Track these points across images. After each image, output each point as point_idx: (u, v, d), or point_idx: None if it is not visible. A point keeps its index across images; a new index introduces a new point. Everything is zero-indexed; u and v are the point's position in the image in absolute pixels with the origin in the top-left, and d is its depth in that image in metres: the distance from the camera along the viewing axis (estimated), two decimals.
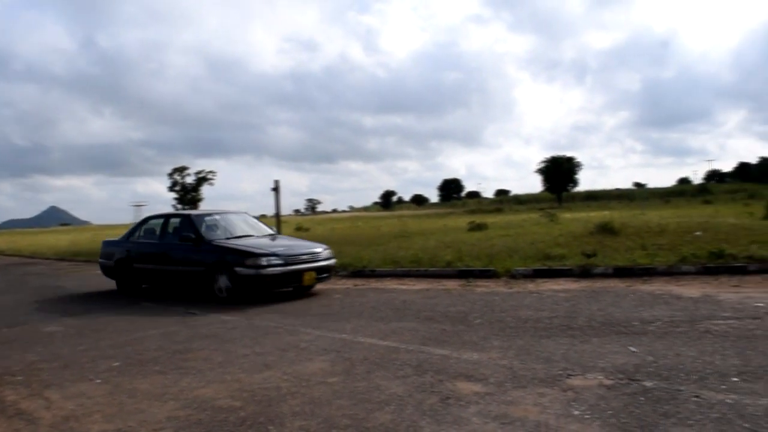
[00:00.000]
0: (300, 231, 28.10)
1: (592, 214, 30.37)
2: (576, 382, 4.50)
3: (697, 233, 14.54)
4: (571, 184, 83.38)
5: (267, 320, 7.76)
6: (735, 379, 4.37)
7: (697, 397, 4.03)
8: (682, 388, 4.22)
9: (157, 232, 11.15)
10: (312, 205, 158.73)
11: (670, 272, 9.67)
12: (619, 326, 6.24)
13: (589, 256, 10.92)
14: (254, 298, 9.43)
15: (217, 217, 11.22)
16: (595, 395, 4.17)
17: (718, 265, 9.67)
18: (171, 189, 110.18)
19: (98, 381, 5.25)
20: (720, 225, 16.79)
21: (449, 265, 11.51)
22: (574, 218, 27.04)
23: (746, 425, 3.51)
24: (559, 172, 79.76)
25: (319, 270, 9.72)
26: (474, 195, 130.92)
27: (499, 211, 57.48)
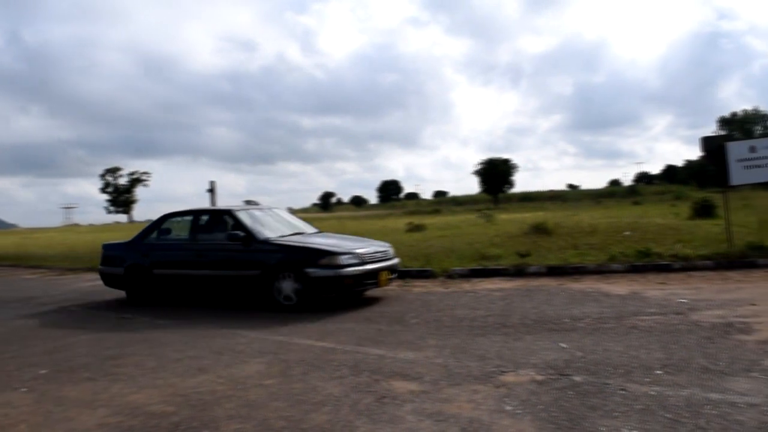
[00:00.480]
0: None
1: (527, 214, 31.04)
2: (509, 378, 4.60)
3: (627, 233, 15.07)
4: (507, 186, 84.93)
5: (202, 323, 7.64)
6: (659, 371, 4.55)
7: (623, 390, 4.18)
8: (609, 381, 4.37)
9: (186, 232, 9.64)
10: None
11: (600, 270, 9.99)
12: (551, 323, 6.42)
13: (523, 255, 11.17)
14: (326, 303, 8.36)
15: (257, 212, 9.73)
16: (526, 391, 4.28)
17: (645, 263, 10.05)
18: (103, 190, 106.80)
19: (24, 390, 5.06)
20: (648, 225, 17.44)
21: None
22: (509, 219, 27.57)
23: (668, 415, 3.66)
24: (495, 173, 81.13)
25: (391, 269, 8.82)
26: (413, 196, 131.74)
27: (437, 212, 58.00)
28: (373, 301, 8.53)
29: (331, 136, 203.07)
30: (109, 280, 10.22)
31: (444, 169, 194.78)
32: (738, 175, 11.29)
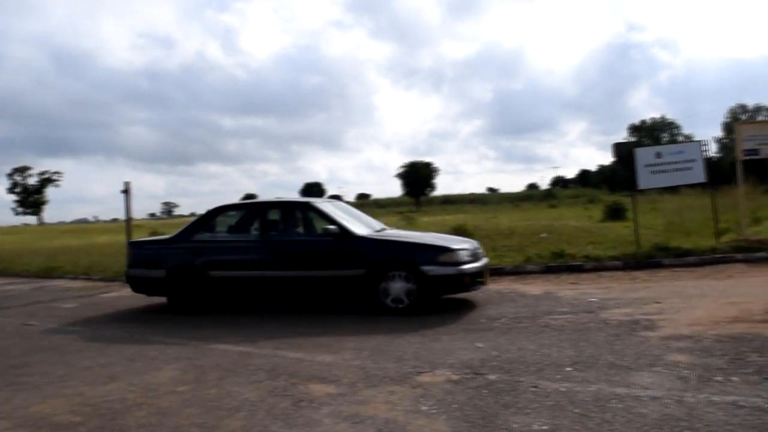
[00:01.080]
0: (155, 236, 26.92)
1: (448, 217, 31.50)
2: (425, 378, 4.65)
3: (543, 235, 15.52)
4: (429, 189, 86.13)
5: (112, 330, 7.38)
6: (569, 369, 4.70)
7: (535, 387, 4.29)
8: (521, 379, 4.48)
9: (250, 227, 8.49)
10: (169, 208, 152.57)
11: (517, 272, 10.26)
12: (468, 324, 6.54)
13: None
14: (428, 305, 7.46)
15: (333, 204, 8.86)
16: (442, 390, 4.33)
17: (559, 264, 10.39)
18: (11, 191, 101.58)
19: None
20: (563, 227, 18.03)
21: None
22: (431, 221, 27.85)
23: (576, 410, 3.79)
24: (417, 176, 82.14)
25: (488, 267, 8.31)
26: (336, 198, 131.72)
27: None
28: (295, 303, 8.45)
29: (253, 137, 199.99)
30: (142, 285, 8.66)
31: (367, 171, 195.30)
32: (645, 179, 11.83)
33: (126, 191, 12.36)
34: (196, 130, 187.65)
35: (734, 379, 4.27)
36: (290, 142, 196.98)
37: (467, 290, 7.49)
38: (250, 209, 8.81)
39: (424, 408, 4.00)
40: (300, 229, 8.44)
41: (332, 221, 7.79)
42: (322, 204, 8.40)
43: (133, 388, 4.82)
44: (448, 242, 7.81)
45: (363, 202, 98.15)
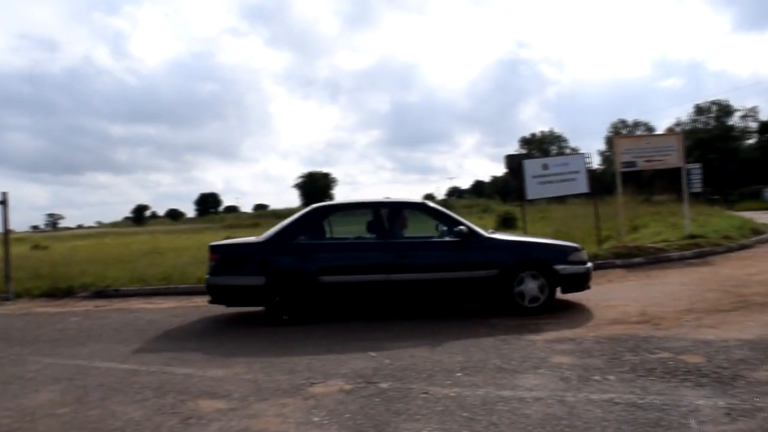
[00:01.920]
0: (37, 249, 25.43)
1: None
2: (318, 389, 4.62)
3: None
4: (327, 199, 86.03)
5: None
6: (459, 374, 4.82)
7: (425, 393, 4.37)
8: (413, 386, 4.55)
9: (367, 229, 7.79)
10: (53, 220, 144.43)
11: None
12: (362, 333, 6.56)
13: None
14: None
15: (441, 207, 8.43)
16: (334, 400, 4.32)
17: None
18: None
19: None
20: None
21: (200, 281, 11.13)
22: None
23: (465, 414, 3.89)
24: (315, 187, 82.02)
25: None
26: (232, 209, 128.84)
27: (256, 225, 57.14)
28: (186, 318, 8.19)
29: (144, 146, 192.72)
30: (232, 294, 7.61)
31: (264, 182, 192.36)
32: (533, 190, 12.36)
33: (3, 202, 11.61)
34: (82, 137, 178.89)
35: (611, 377, 4.51)
36: (184, 152, 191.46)
37: (588, 288, 7.64)
38: (360, 209, 8.25)
39: (316, 419, 3.97)
40: (419, 230, 8.04)
41: (456, 222, 7.58)
42: (433, 205, 8.23)
43: (9, 412, 4.51)
44: (567, 243, 8.00)
45: (260, 213, 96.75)
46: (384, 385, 4.61)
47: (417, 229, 7.97)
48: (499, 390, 4.34)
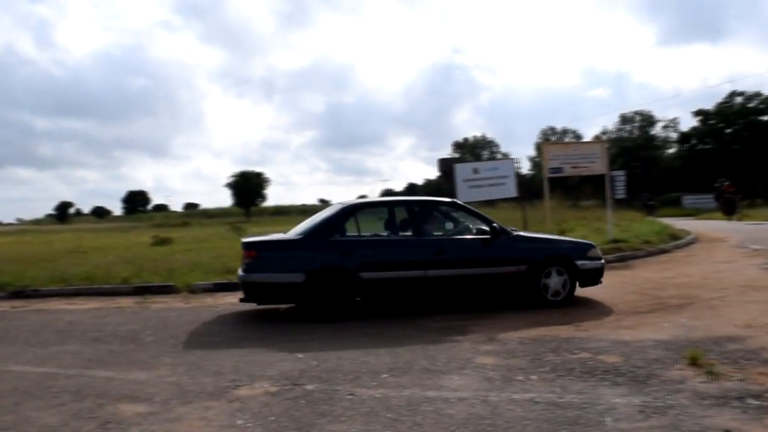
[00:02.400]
0: None
1: (279, 228, 31.27)
2: (243, 392, 4.56)
3: None
4: (260, 199, 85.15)
5: None
6: (385, 375, 4.84)
7: (351, 395, 4.37)
8: (339, 388, 4.55)
9: (403, 226, 7.95)
10: None
11: None
12: (290, 334, 6.52)
13: None
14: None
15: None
16: (259, 403, 4.28)
17: None
18: None
19: None
20: None
21: (125, 281, 10.87)
22: (260, 232, 27.49)
23: (390, 415, 3.91)
24: (248, 186, 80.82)
25: None
26: (162, 208, 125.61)
27: (186, 225, 56.04)
28: (108, 319, 7.95)
29: (70, 141, 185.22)
30: (270, 292, 7.42)
31: (196, 180, 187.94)
32: (464, 193, 12.54)
33: None
34: (2, 129, 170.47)
35: (533, 377, 4.63)
36: (112, 148, 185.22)
37: (600, 282, 8.14)
38: (394, 207, 8.27)
39: (239, 422, 3.92)
40: (451, 227, 8.21)
41: (485, 219, 7.87)
42: (462, 203, 8.59)
43: None
44: (584, 240, 8.69)
45: (191, 212, 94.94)
46: (310, 387, 4.59)
47: (467, 226, 8.17)
48: (424, 391, 4.39)
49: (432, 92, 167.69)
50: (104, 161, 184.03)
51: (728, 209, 27.28)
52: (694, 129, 54.75)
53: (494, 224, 7.70)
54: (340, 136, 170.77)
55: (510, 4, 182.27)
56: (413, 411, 3.97)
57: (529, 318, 6.91)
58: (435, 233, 8.03)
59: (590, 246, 8.23)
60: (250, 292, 7.44)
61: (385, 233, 8.08)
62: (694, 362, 4.77)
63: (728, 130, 50.75)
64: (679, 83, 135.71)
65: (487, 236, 7.63)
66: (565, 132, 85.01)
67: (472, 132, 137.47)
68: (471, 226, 7.99)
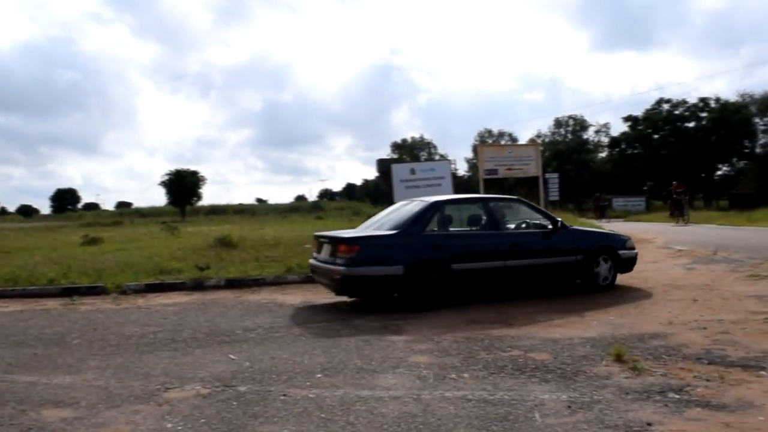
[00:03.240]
0: None
1: (214, 228, 30.77)
2: (173, 394, 4.47)
3: (307, 246, 15.77)
4: (195, 198, 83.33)
5: None
6: (319, 375, 4.83)
7: (284, 395, 4.34)
8: (272, 388, 4.50)
9: (482, 221, 8.53)
10: None
11: (278, 282, 10.31)
12: (223, 336, 6.42)
13: (202, 269, 11.04)
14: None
15: None
16: (190, 405, 4.20)
17: None
18: None
19: None
20: None
21: (52, 282, 10.48)
22: (195, 232, 27.06)
23: (323, 415, 3.90)
24: (183, 185, 78.97)
25: None
26: (92, 207, 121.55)
27: (118, 224, 54.46)
28: (32, 322, 7.65)
29: None
30: (372, 285, 7.63)
31: (128, 178, 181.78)
32: (400, 193, 12.61)
33: None
34: None
35: (465, 375, 4.70)
36: (39, 144, 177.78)
37: (631, 270, 9.37)
38: (473, 203, 9.06)
39: (169, 425, 3.84)
40: (520, 222, 8.93)
41: (546, 215, 8.99)
42: (527, 201, 9.40)
43: None
44: (621, 234, 9.99)
45: (123, 211, 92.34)
46: (243, 389, 4.53)
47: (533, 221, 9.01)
48: (357, 390, 4.39)
49: (370, 92, 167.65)
50: (31, 158, 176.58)
51: (677, 210, 26.37)
52: (623, 134, 56.62)
53: (557, 219, 8.77)
54: (278, 135, 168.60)
55: (448, 7, 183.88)
56: (346, 410, 3.97)
57: (462, 316, 7.00)
58: (515, 227, 8.83)
59: (628, 239, 9.42)
60: (353, 285, 7.66)
61: (467, 228, 8.77)
62: (619, 358, 4.93)
63: (656, 136, 52.63)
64: (610, 89, 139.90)
65: (550, 229, 8.55)
66: (501, 134, 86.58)
67: (410, 133, 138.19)
68: (536, 220, 8.84)
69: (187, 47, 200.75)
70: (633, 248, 9.37)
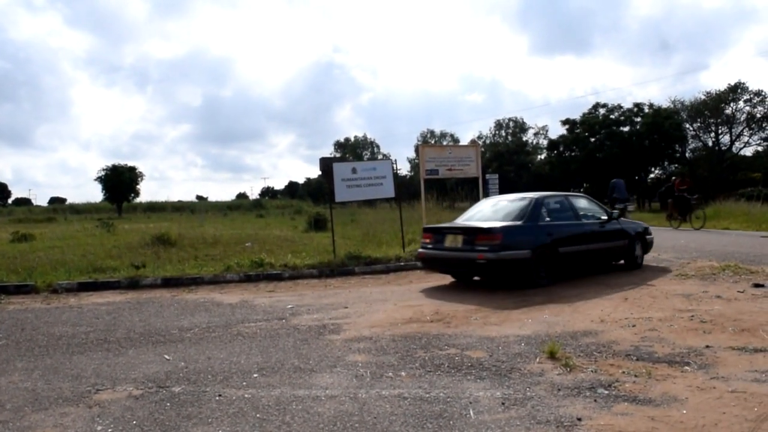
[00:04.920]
0: None
1: (152, 225, 30.06)
2: (104, 396, 4.36)
3: (248, 244, 15.63)
4: (133, 195, 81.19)
5: None
6: (255, 375, 4.78)
7: (219, 396, 4.28)
8: (207, 389, 4.44)
9: (568, 212, 10.37)
10: None
11: (216, 281, 10.17)
12: (158, 336, 6.29)
13: (138, 267, 10.80)
14: None
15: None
16: (122, 407, 4.10)
17: (259, 272, 10.54)
18: None
19: None
20: (268, 237, 18.36)
21: None
22: (132, 229, 26.40)
23: (258, 415, 3.87)
24: (120, 181, 76.79)
25: None
26: (24, 202, 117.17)
27: (51, 220, 52.66)
28: None
29: None
30: (509, 266, 8.97)
31: (62, 173, 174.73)
32: (341, 193, 12.57)
33: None
34: None
35: (402, 374, 4.73)
36: None
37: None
38: (559, 198, 10.63)
39: (99, 428, 3.74)
40: (586, 213, 10.72)
41: (602, 208, 11.22)
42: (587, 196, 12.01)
43: None
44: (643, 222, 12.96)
45: (57, 207, 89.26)
46: (177, 389, 4.45)
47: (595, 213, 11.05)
48: (294, 390, 4.38)
49: (313, 90, 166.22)
50: None
51: (681, 210, 21.60)
52: (562, 137, 57.78)
53: (610, 211, 11.15)
54: (218, 131, 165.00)
55: (391, 6, 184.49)
56: (282, 410, 3.95)
57: (401, 315, 7.04)
58: (589, 218, 10.62)
59: (648, 226, 12.08)
60: (494, 268, 8.92)
61: (564, 218, 10.18)
62: (552, 356, 5.05)
63: (592, 139, 53.92)
64: (549, 92, 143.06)
65: (605, 219, 10.67)
66: (443, 135, 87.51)
67: (352, 132, 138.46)
68: (596, 212, 10.87)
69: (123, 39, 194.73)
70: (651, 233, 11.73)
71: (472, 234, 9.11)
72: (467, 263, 9.09)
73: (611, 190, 21.80)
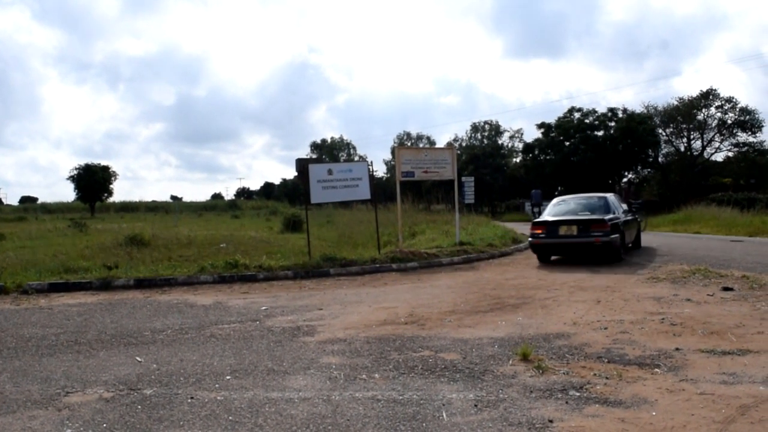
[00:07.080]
0: None
1: (125, 225, 29.74)
2: (74, 399, 4.31)
3: (222, 245, 15.54)
4: (106, 194, 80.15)
5: None
6: (228, 377, 4.76)
7: (192, 398, 4.25)
8: (179, 391, 4.41)
9: (621, 209, 13.67)
10: None
11: (190, 282, 10.10)
12: (130, 337, 6.23)
13: (110, 268, 10.68)
14: None
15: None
16: (92, 410, 4.06)
17: (233, 274, 10.49)
18: None
19: None
20: (243, 238, 18.28)
21: None
22: (105, 229, 26.11)
23: (230, 418, 3.85)
24: (92, 180, 75.74)
25: None
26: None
27: (22, 219, 51.83)
28: None
29: None
30: (611, 247, 12.03)
31: (32, 172, 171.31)
32: (317, 194, 12.57)
33: None
34: None
35: (376, 376, 4.74)
36: None
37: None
38: (615, 197, 14.07)
39: (68, 431, 3.70)
40: (622, 209, 13.73)
41: (628, 203, 15.06)
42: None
43: None
44: None
45: (28, 206, 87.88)
46: (148, 392, 4.41)
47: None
48: (267, 392, 4.36)
49: (288, 90, 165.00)
50: None
51: None
52: (537, 140, 58.18)
53: (630, 207, 14.74)
54: (191, 131, 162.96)
55: (367, 7, 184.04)
56: (255, 413, 3.93)
57: (376, 317, 7.05)
58: (624, 213, 13.76)
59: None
60: (606, 248, 12.03)
61: (621, 213, 13.38)
62: (525, 358, 5.09)
63: (567, 143, 54.37)
64: (524, 95, 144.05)
65: (628, 211, 13.94)
66: (420, 137, 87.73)
67: (328, 133, 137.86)
68: (623, 208, 13.79)
69: (94, 35, 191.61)
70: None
71: (587, 224, 12.10)
72: (585, 246, 12.07)
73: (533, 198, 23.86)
